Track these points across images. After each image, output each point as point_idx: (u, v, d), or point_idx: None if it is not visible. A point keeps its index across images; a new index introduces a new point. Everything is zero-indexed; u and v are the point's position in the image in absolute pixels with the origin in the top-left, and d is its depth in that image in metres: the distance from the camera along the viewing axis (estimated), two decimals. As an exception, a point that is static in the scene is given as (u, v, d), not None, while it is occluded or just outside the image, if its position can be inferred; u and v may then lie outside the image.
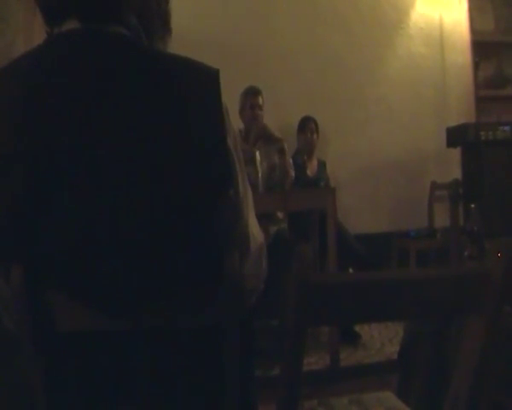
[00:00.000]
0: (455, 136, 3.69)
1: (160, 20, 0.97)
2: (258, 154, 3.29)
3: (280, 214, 3.32)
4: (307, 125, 3.95)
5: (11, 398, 0.82)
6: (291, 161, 3.47)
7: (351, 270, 3.35)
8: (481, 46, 4.54)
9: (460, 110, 4.42)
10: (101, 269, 0.78)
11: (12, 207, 0.76)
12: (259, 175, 3.28)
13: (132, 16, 0.89)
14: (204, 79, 0.85)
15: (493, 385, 1.41)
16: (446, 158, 4.24)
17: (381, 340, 3.27)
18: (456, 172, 3.83)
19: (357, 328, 3.28)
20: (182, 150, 0.80)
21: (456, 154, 3.91)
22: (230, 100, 0.88)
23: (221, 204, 0.83)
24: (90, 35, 0.84)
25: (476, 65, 4.53)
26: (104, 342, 0.81)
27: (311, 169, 3.92)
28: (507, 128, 3.52)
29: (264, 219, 3.11)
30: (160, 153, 0.79)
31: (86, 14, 0.85)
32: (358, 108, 4.31)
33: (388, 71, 4.42)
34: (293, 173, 3.41)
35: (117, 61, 0.82)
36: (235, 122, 3.32)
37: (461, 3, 4.54)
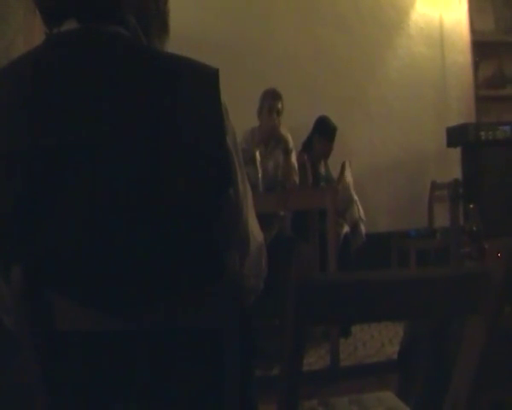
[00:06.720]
0: (455, 136, 3.68)
1: (158, 19, 0.97)
2: (258, 154, 3.29)
3: (282, 212, 3.32)
4: (333, 136, 3.77)
5: (11, 398, 0.82)
6: (296, 163, 3.46)
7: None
8: (481, 46, 4.54)
9: (460, 110, 4.42)
10: (101, 269, 0.78)
11: (12, 207, 0.76)
12: (259, 175, 3.28)
13: (131, 16, 0.89)
14: (203, 79, 0.85)
15: (493, 385, 1.40)
16: (446, 158, 4.24)
17: (381, 340, 3.28)
18: (456, 172, 3.82)
19: (358, 328, 3.29)
20: (181, 150, 0.80)
21: (456, 154, 3.90)
22: (231, 100, 0.88)
23: (221, 204, 0.83)
24: (89, 35, 0.84)
25: (476, 65, 4.53)
26: (104, 342, 0.81)
27: (322, 167, 3.91)
28: (507, 128, 3.51)
29: (268, 216, 3.11)
30: (158, 152, 0.79)
31: (85, 14, 0.85)
32: (358, 108, 4.31)
33: (388, 71, 4.42)
34: (296, 178, 3.40)
35: (116, 60, 0.82)
36: (252, 122, 3.38)
37: (461, 3, 4.54)
